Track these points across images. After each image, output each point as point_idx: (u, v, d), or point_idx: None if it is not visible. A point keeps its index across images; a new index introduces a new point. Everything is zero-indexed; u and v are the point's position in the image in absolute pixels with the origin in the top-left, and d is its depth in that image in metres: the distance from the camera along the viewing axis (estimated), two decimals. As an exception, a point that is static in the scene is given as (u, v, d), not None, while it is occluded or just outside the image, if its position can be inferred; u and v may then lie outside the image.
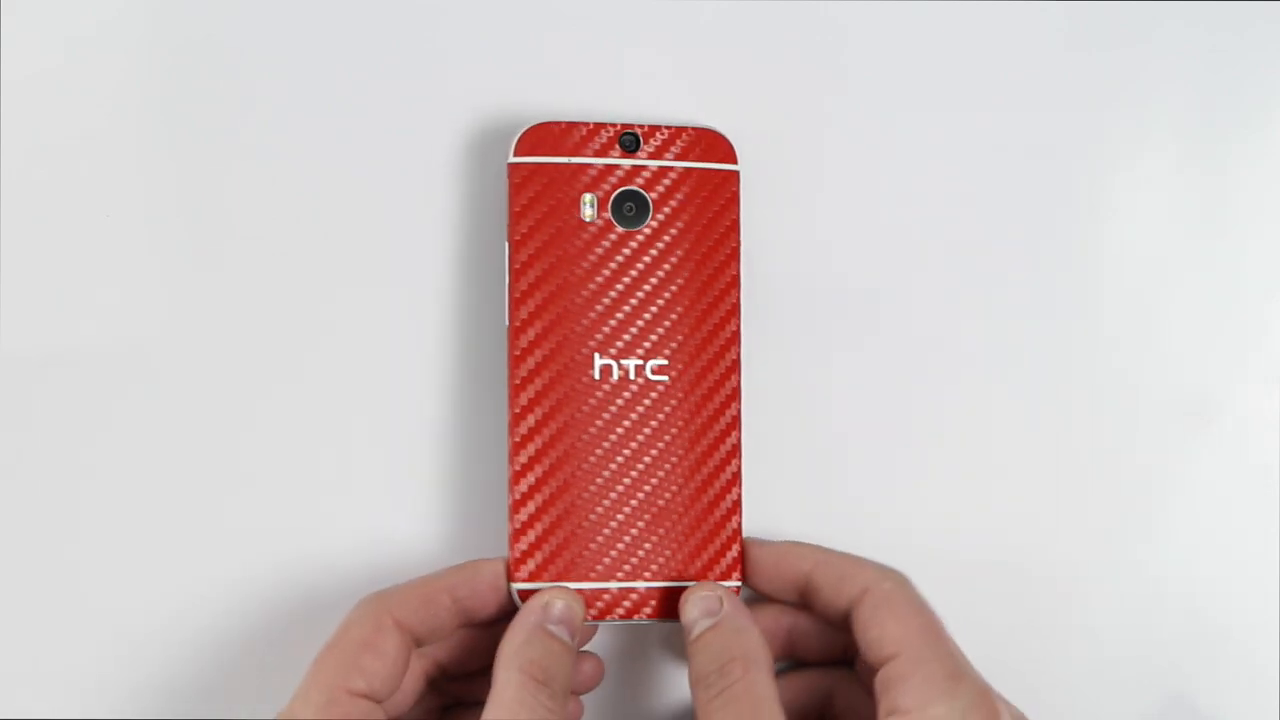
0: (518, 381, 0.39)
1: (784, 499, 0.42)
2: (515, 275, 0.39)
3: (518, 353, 0.39)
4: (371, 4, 0.41)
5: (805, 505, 0.43)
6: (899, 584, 0.37)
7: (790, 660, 0.42)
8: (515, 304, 0.39)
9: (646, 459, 0.39)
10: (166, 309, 0.40)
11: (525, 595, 0.38)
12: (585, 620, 0.38)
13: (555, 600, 0.37)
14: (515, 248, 0.39)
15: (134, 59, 0.40)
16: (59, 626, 0.40)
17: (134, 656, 0.40)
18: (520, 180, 0.39)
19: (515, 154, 0.39)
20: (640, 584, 0.39)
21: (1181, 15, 0.45)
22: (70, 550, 0.40)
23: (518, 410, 0.39)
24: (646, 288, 0.39)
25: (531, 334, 0.39)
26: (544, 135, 0.39)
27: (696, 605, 0.38)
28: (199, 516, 0.40)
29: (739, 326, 0.40)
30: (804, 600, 0.39)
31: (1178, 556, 0.45)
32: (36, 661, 0.40)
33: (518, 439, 0.39)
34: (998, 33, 0.44)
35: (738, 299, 0.40)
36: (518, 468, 0.39)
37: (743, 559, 0.39)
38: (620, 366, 0.39)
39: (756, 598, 0.40)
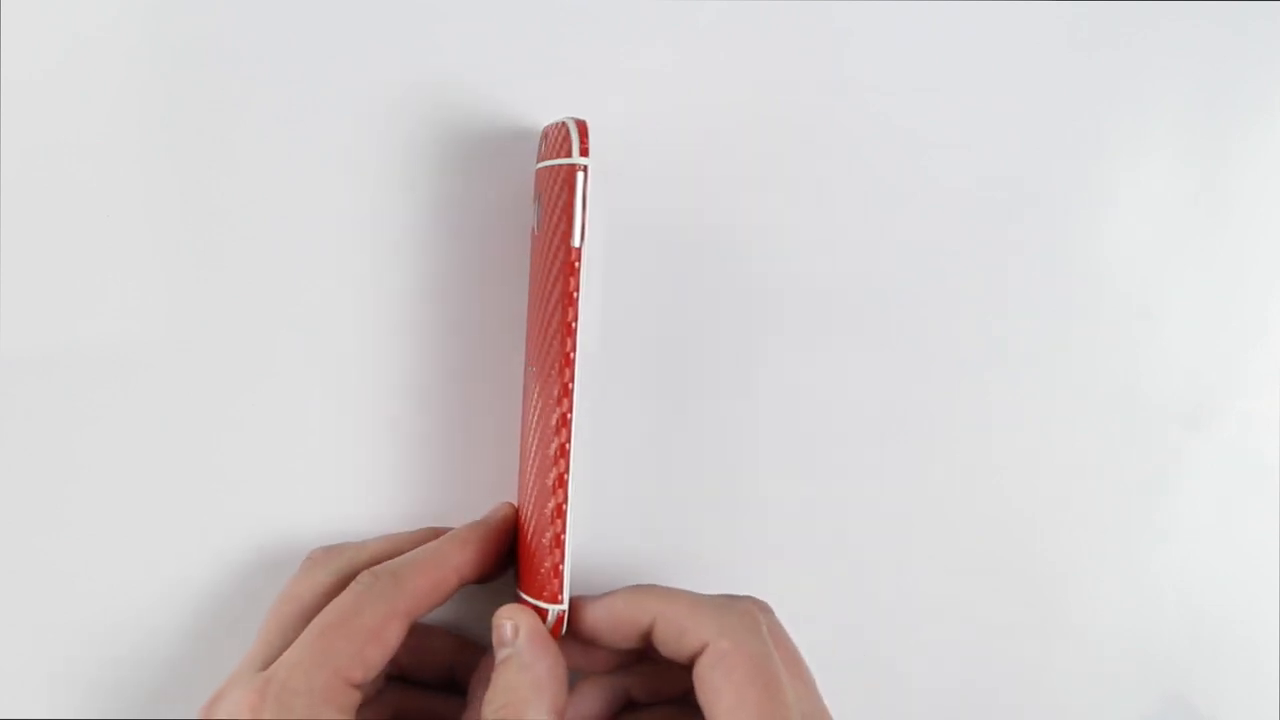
0: (523, 393, 0.40)
1: (782, 498, 0.42)
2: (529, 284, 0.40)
3: (525, 365, 0.40)
4: (371, 4, 0.41)
5: (802, 504, 0.43)
6: (738, 640, 0.35)
7: (632, 703, 0.41)
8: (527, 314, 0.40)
9: (530, 468, 0.38)
10: (167, 309, 0.40)
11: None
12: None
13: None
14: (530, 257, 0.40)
15: (134, 59, 0.40)
16: (58, 625, 0.40)
17: (143, 655, 0.40)
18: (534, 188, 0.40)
19: (537, 160, 0.40)
20: (523, 594, 0.38)
21: (1182, 14, 0.45)
22: (68, 549, 0.40)
23: (528, 427, 0.40)
24: (534, 290, 0.39)
25: (525, 345, 0.40)
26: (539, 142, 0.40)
27: (496, 634, 0.37)
28: (197, 515, 0.40)
29: (572, 322, 0.36)
30: (648, 647, 0.38)
31: (1177, 556, 0.45)
32: (34, 660, 0.40)
33: (530, 452, 0.40)
34: (999, 32, 0.44)
35: (570, 293, 0.36)
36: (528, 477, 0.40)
37: (561, 577, 0.37)
38: (529, 373, 0.39)
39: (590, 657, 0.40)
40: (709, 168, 0.42)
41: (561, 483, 0.36)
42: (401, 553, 0.38)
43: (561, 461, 0.36)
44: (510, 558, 0.40)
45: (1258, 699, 0.45)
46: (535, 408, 0.38)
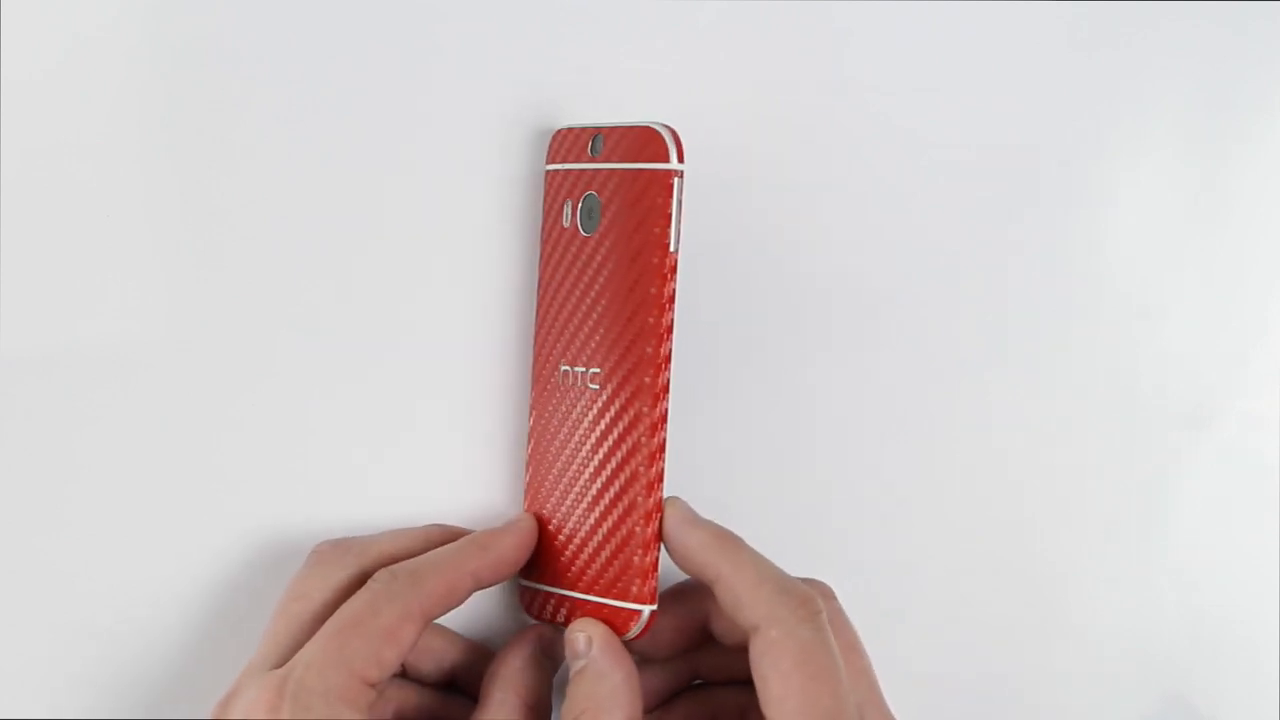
0: (536, 392, 0.40)
1: (780, 499, 0.42)
2: (540, 283, 0.40)
3: (540, 365, 0.40)
4: (371, 4, 0.41)
5: (801, 505, 0.43)
6: (789, 629, 0.35)
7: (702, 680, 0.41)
8: (540, 313, 0.40)
9: (591, 466, 0.39)
10: (167, 309, 0.40)
11: (522, 591, 0.40)
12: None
13: (547, 633, 0.39)
14: (542, 255, 0.40)
15: (134, 59, 0.40)
16: (58, 625, 0.40)
17: (143, 655, 0.40)
18: (547, 186, 0.40)
19: (548, 161, 0.40)
20: (578, 594, 0.38)
21: (1182, 14, 0.45)
22: (68, 549, 0.40)
23: (532, 422, 0.40)
24: (592, 292, 0.39)
25: (545, 345, 0.40)
26: (560, 141, 0.40)
27: (569, 647, 0.37)
28: (197, 515, 0.40)
29: (668, 327, 0.37)
30: (708, 626, 0.39)
31: (1177, 556, 0.45)
32: (34, 660, 0.40)
33: (530, 449, 0.40)
34: (999, 32, 0.44)
35: (666, 299, 0.37)
36: (528, 477, 0.40)
37: (656, 576, 0.37)
38: (574, 374, 0.39)
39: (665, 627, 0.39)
40: (709, 168, 0.42)
41: (660, 480, 0.37)
42: (410, 549, 0.38)
43: (660, 460, 0.37)
44: (522, 566, 0.40)
45: (1258, 699, 0.45)
46: (594, 408, 0.38)
